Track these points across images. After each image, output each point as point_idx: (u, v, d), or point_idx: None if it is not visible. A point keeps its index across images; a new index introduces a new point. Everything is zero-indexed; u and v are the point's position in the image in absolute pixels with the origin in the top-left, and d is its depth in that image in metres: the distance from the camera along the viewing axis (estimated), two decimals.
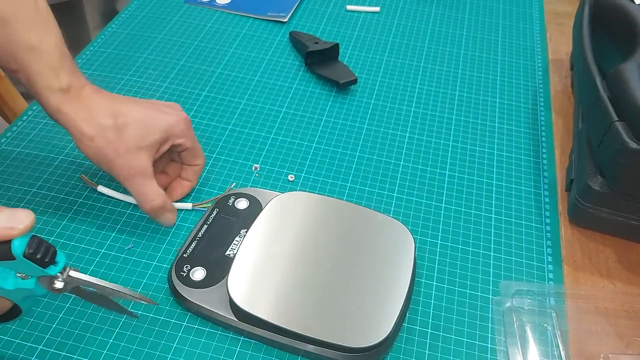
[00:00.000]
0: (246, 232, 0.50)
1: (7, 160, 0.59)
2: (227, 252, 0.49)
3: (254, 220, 0.50)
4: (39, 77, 0.45)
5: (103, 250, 0.51)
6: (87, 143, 0.47)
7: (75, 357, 0.44)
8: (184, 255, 0.49)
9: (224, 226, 0.51)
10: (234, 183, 0.58)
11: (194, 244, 0.50)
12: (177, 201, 0.56)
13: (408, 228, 0.51)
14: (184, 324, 0.47)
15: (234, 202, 0.54)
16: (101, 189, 0.56)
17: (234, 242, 0.50)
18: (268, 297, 0.45)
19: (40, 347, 0.45)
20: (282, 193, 0.53)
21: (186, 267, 0.48)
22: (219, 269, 0.48)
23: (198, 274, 0.48)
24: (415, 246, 0.50)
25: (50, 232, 0.52)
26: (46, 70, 0.45)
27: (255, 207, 0.53)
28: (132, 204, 0.56)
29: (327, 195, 0.53)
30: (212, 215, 0.52)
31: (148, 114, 0.50)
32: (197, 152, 0.55)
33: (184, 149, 0.53)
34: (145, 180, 0.49)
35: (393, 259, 0.48)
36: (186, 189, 0.56)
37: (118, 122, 0.47)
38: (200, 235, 0.51)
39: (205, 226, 0.51)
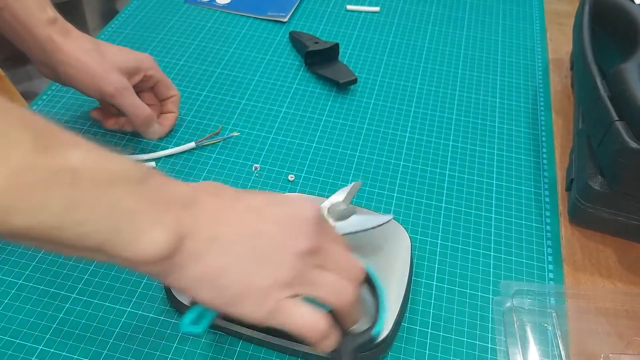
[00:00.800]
0: None
1: None
2: None
3: None
4: (27, 11, 0.50)
5: None
6: (77, 65, 0.52)
7: (75, 357, 0.44)
8: None
9: None
10: (221, 126, 0.64)
11: None
12: (181, 143, 0.62)
13: (404, 226, 0.51)
14: None
15: None
16: None
17: None
18: None
19: (41, 347, 0.45)
20: None
21: None
22: None
23: None
24: (411, 244, 0.50)
25: None
26: (33, 5, 0.50)
27: None
28: (139, 161, 0.59)
29: (322, 196, 0.53)
30: None
31: (120, 49, 0.58)
32: (169, 83, 0.62)
33: (156, 80, 0.60)
34: (134, 94, 0.56)
35: (389, 258, 0.48)
36: (172, 119, 0.62)
37: (99, 48, 0.55)
38: None
39: None
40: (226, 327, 0.45)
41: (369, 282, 0.44)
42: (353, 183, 0.51)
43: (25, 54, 0.53)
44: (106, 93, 0.54)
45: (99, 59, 0.54)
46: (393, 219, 0.51)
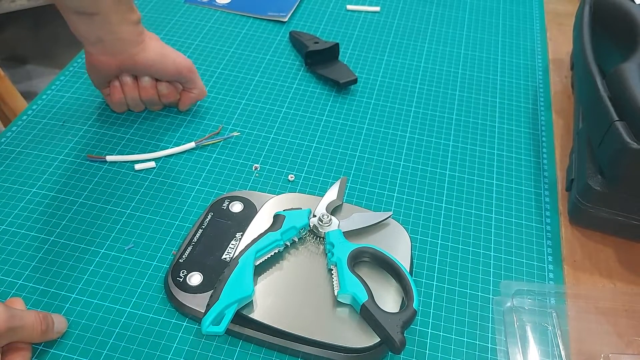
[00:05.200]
0: (242, 235, 0.50)
1: (7, 160, 0.59)
2: (224, 256, 0.49)
3: (249, 224, 0.50)
4: (119, 14, 0.55)
5: (103, 250, 0.51)
6: (158, 48, 0.60)
7: (75, 357, 0.44)
8: (180, 260, 0.49)
9: (219, 230, 0.51)
10: (221, 126, 0.64)
11: (189, 249, 0.50)
12: (180, 143, 0.62)
13: (404, 226, 0.51)
14: (184, 324, 0.47)
15: (228, 205, 0.53)
16: (109, 158, 0.59)
17: (230, 245, 0.50)
18: (266, 300, 0.45)
19: (41, 347, 0.45)
20: (276, 195, 0.53)
21: (182, 272, 0.48)
22: (215, 274, 0.47)
23: (195, 279, 0.47)
24: (411, 244, 0.50)
25: (50, 232, 0.52)
26: (125, 6, 0.56)
27: (250, 210, 0.53)
28: (139, 161, 0.60)
29: (319, 196, 0.53)
30: (207, 220, 0.52)
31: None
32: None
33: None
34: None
35: None
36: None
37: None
38: (196, 239, 0.50)
39: (200, 230, 0.51)
40: (228, 327, 0.45)
41: (388, 267, 0.47)
42: (339, 179, 0.55)
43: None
44: (185, 66, 0.61)
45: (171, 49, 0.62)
46: (393, 218, 0.52)
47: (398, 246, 0.49)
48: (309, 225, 0.50)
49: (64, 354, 0.44)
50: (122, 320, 0.47)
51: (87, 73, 0.62)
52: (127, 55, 0.57)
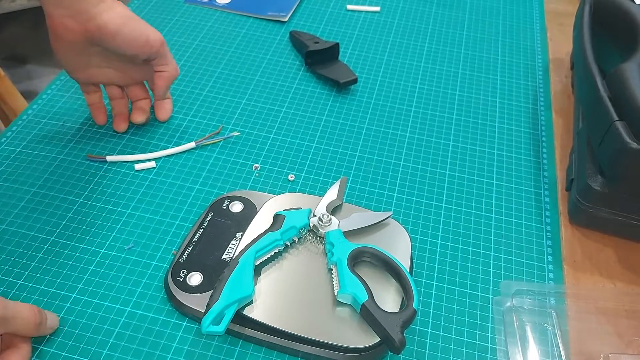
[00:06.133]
0: (242, 235, 0.50)
1: (7, 160, 0.59)
2: (224, 256, 0.49)
3: (249, 223, 0.50)
4: None
5: (103, 250, 0.51)
6: (129, 15, 0.55)
7: (75, 356, 0.44)
8: (180, 260, 0.49)
9: (219, 230, 0.51)
10: (221, 126, 0.64)
11: (189, 249, 0.50)
12: (180, 143, 0.62)
13: (404, 226, 0.51)
14: (184, 324, 0.47)
15: (228, 205, 0.53)
16: (109, 158, 0.59)
17: (230, 245, 0.50)
18: (266, 300, 0.45)
19: (41, 347, 0.45)
20: (276, 195, 0.53)
21: (182, 272, 0.48)
22: (215, 274, 0.47)
23: (195, 278, 0.47)
24: (411, 244, 0.50)
25: (50, 232, 0.53)
26: None
27: (250, 210, 0.53)
28: (139, 161, 0.60)
29: (322, 196, 0.53)
30: (207, 220, 0.52)
31: None
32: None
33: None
34: None
35: None
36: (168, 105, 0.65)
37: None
38: (196, 239, 0.50)
39: (200, 230, 0.51)
40: (228, 327, 0.45)
41: (388, 266, 0.47)
42: (339, 179, 0.55)
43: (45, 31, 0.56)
44: (157, 39, 0.57)
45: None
46: (393, 218, 0.52)
47: (398, 246, 0.49)
48: (309, 225, 0.50)
49: (64, 353, 0.44)
50: (122, 319, 0.47)
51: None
52: (90, 16, 0.53)
